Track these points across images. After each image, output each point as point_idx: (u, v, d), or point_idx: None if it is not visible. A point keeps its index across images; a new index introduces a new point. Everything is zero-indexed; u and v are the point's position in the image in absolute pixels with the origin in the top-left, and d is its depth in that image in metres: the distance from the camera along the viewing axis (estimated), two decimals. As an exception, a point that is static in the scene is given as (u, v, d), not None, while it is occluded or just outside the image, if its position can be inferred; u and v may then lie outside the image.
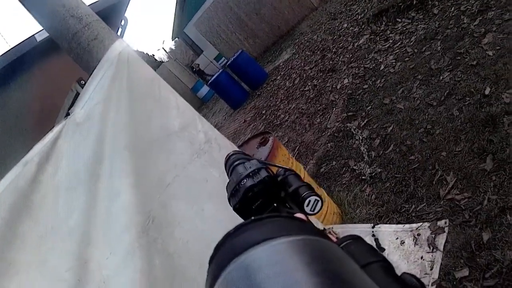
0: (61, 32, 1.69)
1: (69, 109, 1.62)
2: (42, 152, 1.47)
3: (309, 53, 8.02)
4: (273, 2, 12.02)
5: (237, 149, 0.82)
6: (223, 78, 9.59)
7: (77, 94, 1.79)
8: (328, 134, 4.49)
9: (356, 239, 0.46)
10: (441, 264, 2.05)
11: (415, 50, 4.35)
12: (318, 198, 0.64)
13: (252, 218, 0.39)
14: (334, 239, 0.41)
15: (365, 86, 4.70)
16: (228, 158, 0.84)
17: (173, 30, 19.25)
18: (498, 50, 3.18)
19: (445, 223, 2.22)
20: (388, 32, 5.44)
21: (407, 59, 4.36)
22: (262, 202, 0.68)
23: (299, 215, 0.59)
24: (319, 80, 6.26)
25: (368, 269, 0.40)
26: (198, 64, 16.21)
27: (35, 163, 1.44)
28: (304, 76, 7.09)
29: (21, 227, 1.36)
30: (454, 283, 1.93)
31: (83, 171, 1.53)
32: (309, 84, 6.54)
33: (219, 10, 13.08)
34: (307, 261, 0.30)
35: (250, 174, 0.71)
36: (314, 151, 4.41)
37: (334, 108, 4.97)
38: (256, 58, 11.68)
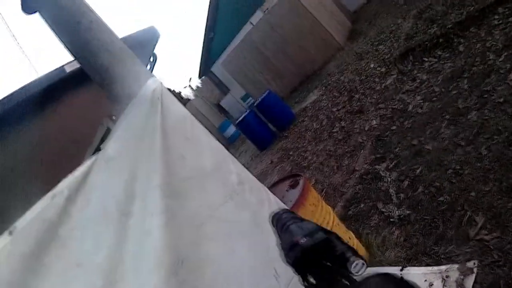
0: (94, 65, 1.75)
1: (100, 144, 1.69)
2: (72, 185, 1.51)
3: (336, 94, 8.30)
4: (299, 42, 12.40)
5: (286, 208, 1.00)
6: (250, 119, 9.97)
7: (108, 130, 1.89)
8: (356, 176, 4.62)
9: None
10: (470, 305, 2.14)
11: (443, 90, 4.52)
12: (364, 262, 0.78)
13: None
14: None
15: (393, 127, 4.87)
16: (280, 216, 0.98)
17: (200, 68, 20.28)
18: (524, 85, 3.33)
19: (474, 264, 2.31)
20: (415, 71, 5.66)
21: (434, 99, 4.54)
22: (316, 259, 0.82)
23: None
24: (347, 122, 6.48)
25: None
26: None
27: (65, 196, 1.47)
28: (332, 117, 7.34)
29: (47, 257, 1.39)
30: (484, 324, 2.01)
31: (114, 207, 1.58)
32: (337, 125, 6.76)
33: (246, 50, 13.60)
34: None
35: (308, 233, 0.85)
36: (342, 193, 4.55)
37: (362, 150, 5.14)
38: (283, 98, 11.99)
